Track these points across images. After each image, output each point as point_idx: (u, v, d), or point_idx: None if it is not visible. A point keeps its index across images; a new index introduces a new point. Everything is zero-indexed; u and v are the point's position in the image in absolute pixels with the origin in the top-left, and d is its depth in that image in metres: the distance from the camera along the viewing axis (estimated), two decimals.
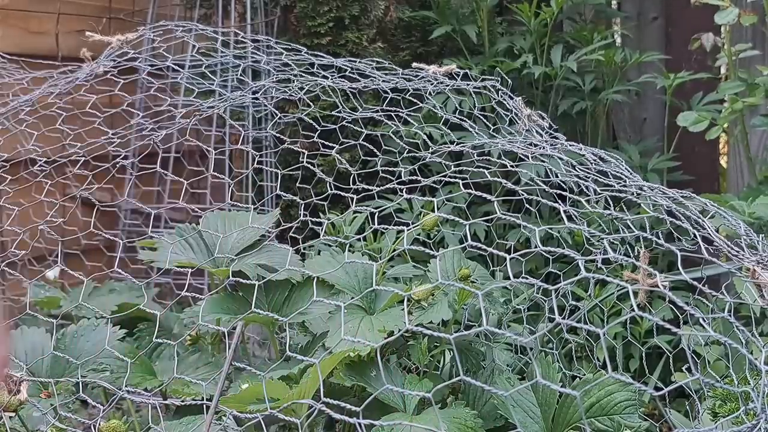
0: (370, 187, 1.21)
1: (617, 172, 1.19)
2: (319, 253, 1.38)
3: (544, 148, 1.22)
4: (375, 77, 1.39)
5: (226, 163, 2.03)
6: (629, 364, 1.83)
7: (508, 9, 2.62)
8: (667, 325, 0.85)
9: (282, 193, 1.29)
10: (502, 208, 1.02)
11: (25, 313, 1.26)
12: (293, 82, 1.35)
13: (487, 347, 1.32)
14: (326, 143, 1.28)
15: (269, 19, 2.43)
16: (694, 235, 1.02)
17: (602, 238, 1.02)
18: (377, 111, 1.33)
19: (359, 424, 0.85)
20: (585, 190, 1.13)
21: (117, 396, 1.02)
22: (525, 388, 1.17)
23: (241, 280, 1.18)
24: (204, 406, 1.00)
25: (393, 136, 1.33)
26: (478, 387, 1.18)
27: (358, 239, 1.69)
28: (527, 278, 0.98)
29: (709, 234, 1.03)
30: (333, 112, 1.35)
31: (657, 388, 1.51)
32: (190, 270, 1.25)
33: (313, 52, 1.48)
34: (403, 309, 1.11)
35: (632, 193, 1.12)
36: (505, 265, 0.96)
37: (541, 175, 1.25)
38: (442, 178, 1.20)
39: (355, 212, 1.68)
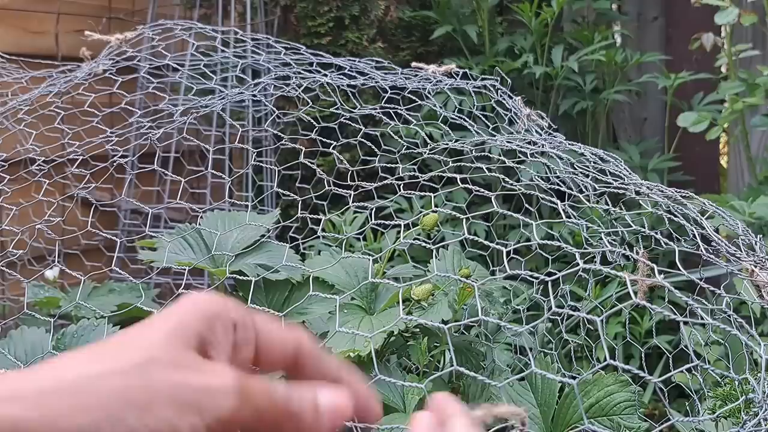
0: (369, 185, 1.21)
1: (616, 171, 1.18)
2: (319, 253, 1.38)
3: (543, 146, 1.22)
4: (374, 75, 1.38)
5: (226, 162, 2.03)
6: (629, 365, 1.82)
7: (509, 9, 2.62)
8: (672, 315, 0.85)
9: (281, 190, 1.29)
10: (503, 208, 1.02)
11: (23, 313, 1.26)
12: (292, 79, 1.35)
13: (487, 347, 1.32)
14: (326, 140, 1.27)
15: (269, 19, 2.43)
16: (694, 235, 1.02)
17: (601, 238, 1.01)
18: (376, 108, 1.33)
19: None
20: (584, 189, 1.13)
21: None
22: (524, 389, 1.16)
23: (238, 276, 1.18)
24: None
25: (393, 135, 1.33)
26: (477, 388, 1.18)
27: (358, 239, 1.69)
28: (527, 278, 0.98)
29: (707, 234, 1.03)
30: (332, 110, 1.35)
31: (657, 388, 1.51)
32: (187, 270, 1.25)
33: (313, 51, 1.48)
34: (403, 309, 1.11)
35: (631, 192, 1.12)
36: (504, 264, 0.95)
37: (542, 174, 1.25)
38: (441, 174, 1.19)
39: (355, 212, 1.68)
